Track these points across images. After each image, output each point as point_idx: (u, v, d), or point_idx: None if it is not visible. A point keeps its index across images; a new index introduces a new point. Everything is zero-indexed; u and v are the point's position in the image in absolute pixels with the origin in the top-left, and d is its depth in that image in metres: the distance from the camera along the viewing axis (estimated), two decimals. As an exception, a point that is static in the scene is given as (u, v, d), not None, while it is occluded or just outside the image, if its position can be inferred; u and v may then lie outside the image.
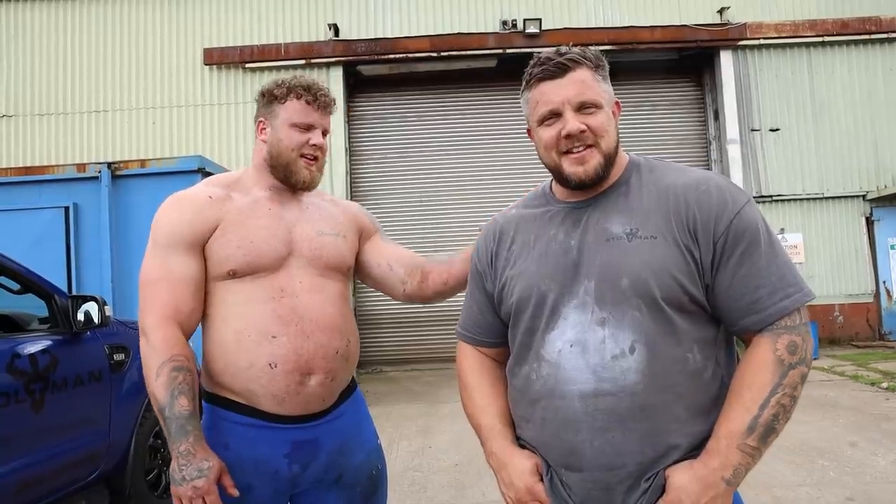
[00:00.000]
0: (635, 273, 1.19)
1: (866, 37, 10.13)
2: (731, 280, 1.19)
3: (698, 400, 1.20)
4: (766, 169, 10.10)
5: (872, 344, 9.63)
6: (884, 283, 10.02)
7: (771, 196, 9.90)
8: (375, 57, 9.99)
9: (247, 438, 1.52)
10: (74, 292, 5.29)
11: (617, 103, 1.32)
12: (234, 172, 1.71)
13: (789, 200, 10.01)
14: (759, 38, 10.05)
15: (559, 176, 1.31)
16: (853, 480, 3.89)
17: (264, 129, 1.62)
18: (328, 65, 10.00)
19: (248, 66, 9.94)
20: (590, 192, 1.30)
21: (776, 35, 10.04)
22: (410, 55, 9.99)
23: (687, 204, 1.22)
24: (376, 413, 1.79)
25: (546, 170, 1.35)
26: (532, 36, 9.78)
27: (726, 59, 10.15)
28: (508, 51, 9.95)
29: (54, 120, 10.11)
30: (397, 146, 10.45)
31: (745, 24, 10.01)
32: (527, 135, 1.40)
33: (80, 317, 3.04)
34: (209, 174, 5.41)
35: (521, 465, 1.30)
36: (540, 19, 9.85)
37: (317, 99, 1.60)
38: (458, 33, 10.01)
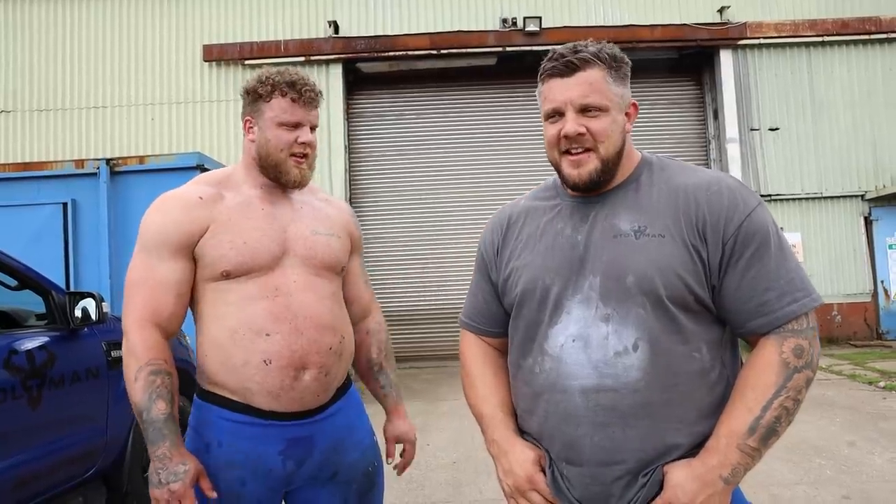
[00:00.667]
0: (641, 271, 1.19)
1: (866, 37, 10.14)
2: (739, 282, 1.18)
3: (702, 400, 1.20)
4: (765, 168, 10.11)
5: (870, 343, 9.65)
6: (881, 282, 10.04)
7: (770, 195, 9.90)
8: (375, 54, 9.98)
9: (242, 436, 1.52)
10: (72, 289, 5.28)
11: (634, 104, 1.30)
12: (225, 169, 1.69)
13: (788, 200, 10.02)
14: (758, 38, 10.05)
15: (559, 174, 1.31)
16: (850, 479, 3.89)
17: (251, 127, 1.60)
18: (328, 62, 9.99)
19: (247, 62, 9.93)
20: (598, 188, 1.29)
21: (776, 34, 10.04)
22: (410, 53, 9.98)
23: (697, 204, 1.21)
24: (374, 411, 1.79)
25: (544, 168, 1.34)
26: (532, 34, 9.77)
27: (726, 59, 10.16)
28: (508, 49, 9.94)
29: (53, 116, 10.10)
30: (396, 144, 10.44)
31: (744, 23, 10.01)
32: (529, 131, 1.39)
33: (78, 313, 3.03)
34: (208, 171, 5.40)
35: (523, 454, 1.30)
36: (540, 17, 9.85)
37: (301, 95, 1.56)
38: (458, 31, 10.00)
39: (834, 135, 10.14)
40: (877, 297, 10.02)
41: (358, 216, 1.95)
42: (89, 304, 3.07)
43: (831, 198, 10.08)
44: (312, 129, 1.61)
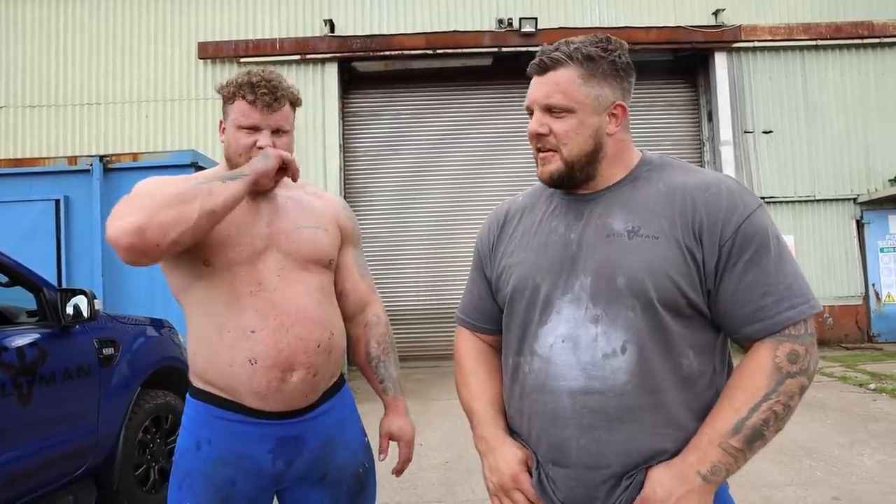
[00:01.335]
0: (632, 272, 1.17)
1: (859, 41, 10.19)
2: (736, 286, 1.15)
3: (690, 406, 1.18)
4: (758, 171, 10.15)
5: (861, 346, 9.70)
6: (873, 285, 10.09)
7: (763, 198, 9.94)
8: (371, 53, 9.96)
9: (231, 434, 1.51)
10: (64, 286, 5.25)
11: (620, 105, 1.24)
12: (212, 169, 1.69)
13: (781, 202, 10.06)
14: (753, 41, 10.09)
15: None
16: (840, 480, 3.91)
17: (224, 129, 1.59)
18: (323, 61, 9.97)
19: (242, 60, 9.90)
20: (594, 186, 1.28)
21: (770, 38, 10.08)
22: (406, 52, 9.97)
23: (695, 206, 1.18)
24: (367, 410, 1.78)
25: None
26: (528, 35, 9.77)
27: (720, 61, 10.19)
28: (504, 49, 9.94)
29: (46, 112, 10.04)
30: (392, 143, 10.43)
31: (739, 26, 10.05)
32: (524, 131, 1.39)
33: (70, 310, 3.02)
34: (202, 168, 5.38)
35: (511, 452, 1.29)
36: (536, 18, 9.86)
37: (258, 98, 1.51)
38: (454, 31, 10.00)
39: (827, 138, 10.19)
40: (868, 299, 10.08)
41: (353, 215, 1.92)
42: (81, 301, 3.05)
43: (824, 201, 10.13)
44: (279, 132, 1.56)
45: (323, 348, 1.56)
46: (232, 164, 1.57)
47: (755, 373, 1.14)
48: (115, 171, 5.83)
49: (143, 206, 1.30)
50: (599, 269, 1.20)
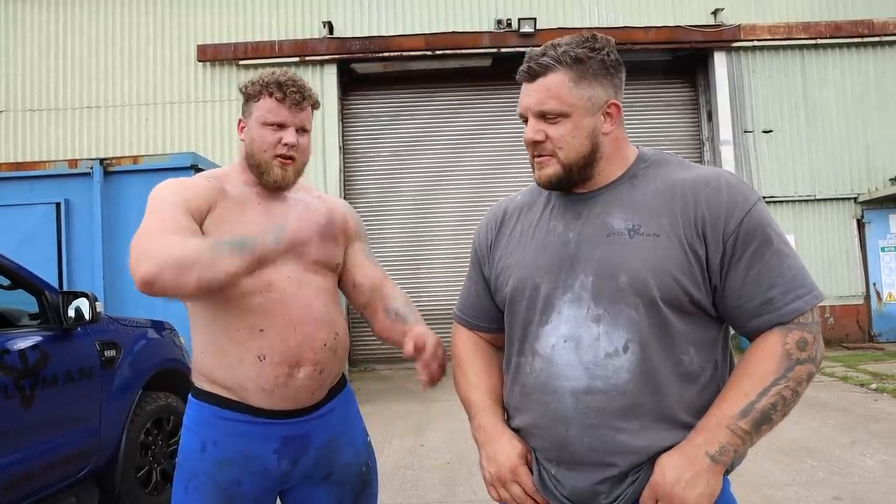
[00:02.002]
0: (634, 271, 1.17)
1: (859, 40, 10.19)
2: (742, 280, 1.16)
3: (693, 402, 1.19)
4: (758, 170, 10.15)
5: (862, 345, 9.69)
6: (874, 284, 10.09)
7: (763, 197, 9.90)
8: (370, 55, 9.97)
9: (236, 434, 1.52)
10: (65, 288, 5.26)
11: (614, 104, 1.24)
12: (222, 168, 1.70)
13: (781, 202, 10.06)
14: (752, 40, 10.09)
15: None
16: (841, 480, 3.91)
17: (243, 127, 1.61)
18: (322, 62, 9.98)
19: (241, 63, 9.91)
20: (591, 185, 1.28)
21: (770, 37, 10.08)
22: (405, 53, 9.98)
23: (696, 202, 1.18)
24: (368, 411, 1.78)
25: None
26: (527, 35, 9.78)
27: (720, 61, 10.19)
28: (503, 50, 9.96)
29: (46, 115, 10.05)
30: (391, 144, 10.43)
31: (738, 25, 10.05)
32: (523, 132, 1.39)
33: (71, 313, 3.03)
34: (202, 171, 5.39)
35: (510, 444, 1.30)
36: (535, 19, 9.86)
37: (287, 96, 1.55)
38: (453, 32, 10.01)
39: (827, 137, 10.19)
40: (869, 299, 10.07)
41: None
42: (83, 303, 3.06)
43: (824, 200, 10.13)
44: (301, 131, 1.59)
45: (329, 347, 1.59)
46: (253, 161, 1.58)
47: (765, 358, 1.15)
48: (116, 174, 5.83)
49: (154, 257, 1.28)
50: (601, 269, 1.20)
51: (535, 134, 1.23)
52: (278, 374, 1.51)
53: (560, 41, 1.23)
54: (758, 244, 1.16)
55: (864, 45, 10.28)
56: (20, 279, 2.98)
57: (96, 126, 10.03)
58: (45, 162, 6.67)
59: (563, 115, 1.21)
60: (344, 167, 10.25)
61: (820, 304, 1.18)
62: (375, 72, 10.40)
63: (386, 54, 9.98)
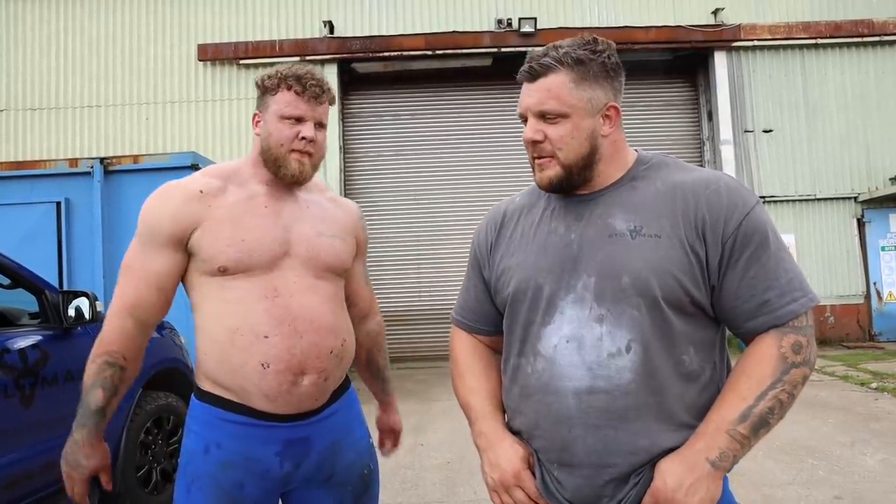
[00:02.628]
0: (637, 271, 1.17)
1: (859, 39, 10.19)
2: (739, 282, 1.17)
3: (694, 402, 1.20)
4: (759, 170, 10.15)
5: (863, 345, 9.70)
6: (874, 284, 10.09)
7: (764, 197, 9.94)
8: (370, 54, 9.98)
9: (239, 436, 1.50)
10: (66, 288, 5.26)
11: (613, 107, 1.24)
12: (235, 162, 1.66)
13: (782, 201, 10.06)
14: (752, 40, 10.10)
15: None
16: (842, 479, 3.91)
17: (259, 122, 1.58)
18: (322, 62, 9.97)
19: (241, 62, 9.92)
20: (591, 186, 1.28)
21: (770, 37, 10.09)
22: (405, 53, 9.98)
23: (696, 204, 1.19)
24: (369, 411, 1.78)
25: None
26: (527, 35, 9.78)
27: (720, 60, 10.20)
28: (503, 50, 9.96)
29: (46, 115, 10.06)
30: (391, 144, 10.44)
31: (738, 25, 10.05)
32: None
33: (71, 312, 3.02)
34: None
35: (512, 448, 1.29)
36: (535, 18, 9.87)
37: (306, 89, 1.52)
38: (454, 32, 10.01)
39: (827, 137, 10.19)
40: (869, 298, 10.08)
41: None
42: (83, 303, 3.06)
43: (824, 199, 10.13)
44: (319, 126, 1.57)
45: (335, 354, 1.57)
46: (269, 155, 1.55)
47: (760, 362, 1.16)
48: (116, 174, 5.84)
49: (101, 334, 1.58)
50: (603, 269, 1.21)
51: (535, 134, 1.24)
52: (282, 381, 1.48)
53: (561, 43, 1.23)
54: (755, 247, 1.17)
55: (864, 44, 10.28)
56: (20, 278, 2.98)
57: (97, 125, 10.03)
58: (45, 161, 6.67)
59: (563, 116, 1.22)
60: (344, 167, 10.26)
61: (821, 304, 1.19)
62: (376, 71, 10.40)
63: (386, 54, 9.99)
